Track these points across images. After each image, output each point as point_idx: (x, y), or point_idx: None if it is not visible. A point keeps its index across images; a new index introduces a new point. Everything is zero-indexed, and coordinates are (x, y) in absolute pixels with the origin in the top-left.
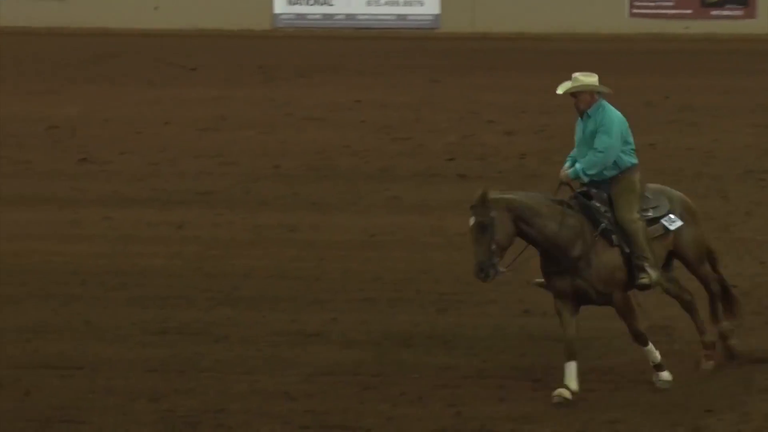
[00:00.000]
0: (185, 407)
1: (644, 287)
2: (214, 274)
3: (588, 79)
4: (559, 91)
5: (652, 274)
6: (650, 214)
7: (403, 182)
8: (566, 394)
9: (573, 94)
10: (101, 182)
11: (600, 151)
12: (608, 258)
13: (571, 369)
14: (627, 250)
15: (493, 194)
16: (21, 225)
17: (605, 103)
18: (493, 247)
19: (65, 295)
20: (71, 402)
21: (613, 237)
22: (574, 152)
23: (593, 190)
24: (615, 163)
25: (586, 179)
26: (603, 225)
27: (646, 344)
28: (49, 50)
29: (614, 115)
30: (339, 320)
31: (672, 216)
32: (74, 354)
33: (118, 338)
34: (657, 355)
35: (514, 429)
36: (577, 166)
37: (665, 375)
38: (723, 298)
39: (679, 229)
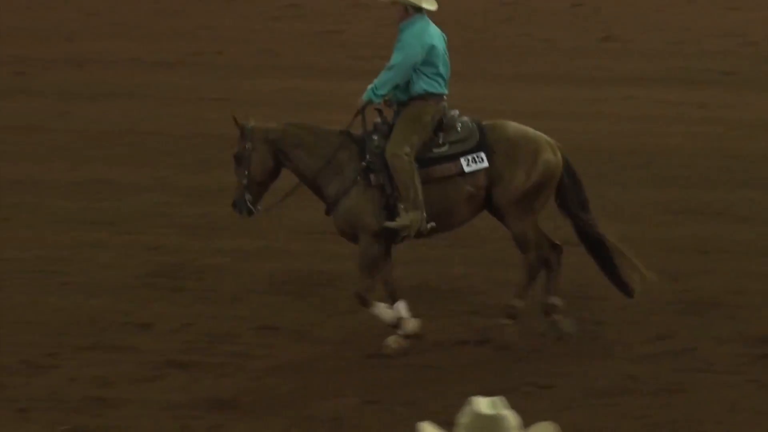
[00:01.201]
0: (704, 288)
1: (399, 236)
2: (736, 155)
3: None
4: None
5: (403, 218)
6: (444, 149)
7: None
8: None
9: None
10: (623, 61)
11: (389, 68)
12: (357, 200)
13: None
14: (389, 191)
15: (253, 123)
16: (542, 102)
17: (422, 18)
18: (245, 181)
19: (585, 174)
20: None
21: (372, 176)
22: None
23: (378, 120)
24: (408, 86)
25: (377, 100)
26: (364, 163)
27: (367, 306)
28: None
29: (419, 32)
30: None
31: (481, 155)
32: None
33: (637, 217)
34: (387, 317)
35: None
36: (369, 86)
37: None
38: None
39: (495, 176)
